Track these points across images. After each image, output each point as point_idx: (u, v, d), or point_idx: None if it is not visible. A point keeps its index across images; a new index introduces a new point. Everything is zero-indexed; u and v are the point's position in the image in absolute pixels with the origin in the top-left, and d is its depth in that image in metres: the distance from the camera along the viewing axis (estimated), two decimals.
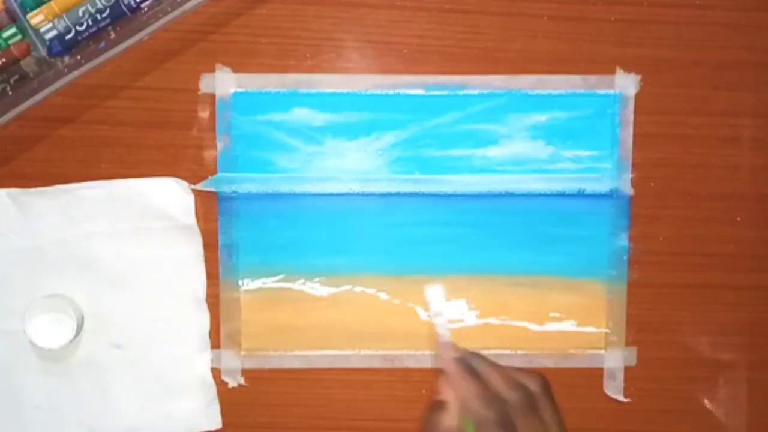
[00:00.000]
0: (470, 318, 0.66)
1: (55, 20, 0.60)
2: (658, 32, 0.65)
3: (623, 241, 0.66)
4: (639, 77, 0.65)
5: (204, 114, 0.64)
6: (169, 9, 0.61)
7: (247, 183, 0.64)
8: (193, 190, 0.64)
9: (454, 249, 0.66)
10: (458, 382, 0.58)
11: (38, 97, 0.61)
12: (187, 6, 0.61)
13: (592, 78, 0.65)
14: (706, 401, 0.68)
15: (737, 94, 0.66)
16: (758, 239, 0.67)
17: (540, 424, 0.56)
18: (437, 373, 0.60)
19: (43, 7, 0.60)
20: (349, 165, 0.65)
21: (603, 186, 0.66)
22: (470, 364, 0.59)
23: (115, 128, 0.64)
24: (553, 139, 0.65)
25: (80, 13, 0.60)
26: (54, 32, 0.60)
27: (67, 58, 0.61)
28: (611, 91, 0.65)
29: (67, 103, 0.63)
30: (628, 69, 0.65)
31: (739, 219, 0.67)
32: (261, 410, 0.66)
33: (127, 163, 0.64)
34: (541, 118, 0.65)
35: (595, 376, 0.67)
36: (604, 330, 0.67)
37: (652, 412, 0.68)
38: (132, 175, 0.64)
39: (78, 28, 0.60)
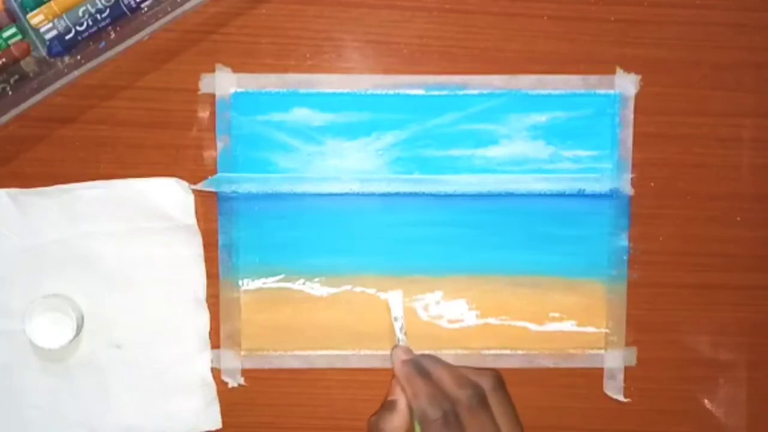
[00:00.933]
0: (470, 318, 0.66)
1: (55, 20, 0.60)
2: (658, 32, 0.65)
3: (623, 241, 0.66)
4: (639, 77, 0.65)
5: (204, 114, 0.64)
6: (169, 9, 0.61)
7: (247, 183, 0.64)
8: (193, 190, 0.64)
9: (454, 249, 0.66)
10: (407, 382, 0.57)
11: (38, 97, 0.61)
12: (187, 6, 0.61)
13: (592, 78, 0.65)
14: (706, 401, 0.68)
15: (737, 94, 0.66)
16: (758, 239, 0.67)
17: (490, 422, 0.55)
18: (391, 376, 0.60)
19: (43, 7, 0.60)
20: (349, 165, 0.65)
21: (603, 186, 0.66)
22: (420, 364, 0.59)
23: (115, 128, 0.64)
24: (553, 139, 0.65)
25: (80, 13, 0.60)
26: (54, 32, 0.60)
27: (67, 58, 0.61)
28: (611, 91, 0.65)
29: (67, 103, 0.63)
30: (628, 69, 0.65)
31: (739, 219, 0.67)
32: (261, 410, 0.66)
33: (127, 163, 0.64)
34: (541, 118, 0.65)
35: (595, 376, 0.67)
36: (604, 330, 0.67)
37: (652, 412, 0.68)
38: (132, 175, 0.64)
39: (78, 28, 0.60)
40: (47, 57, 0.61)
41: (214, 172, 0.64)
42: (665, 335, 0.67)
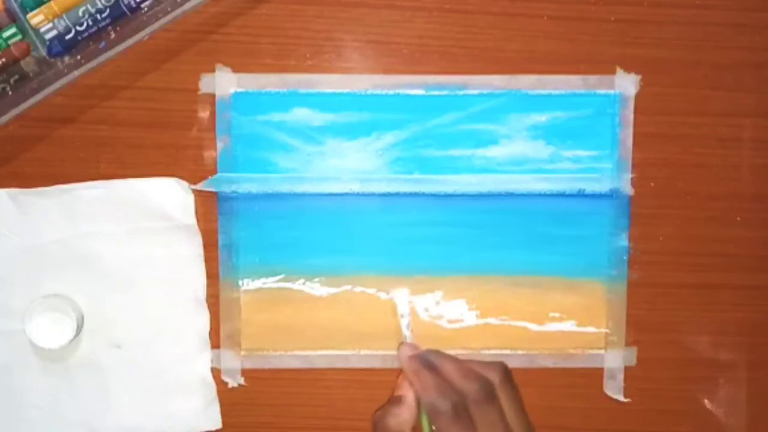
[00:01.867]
0: (470, 318, 0.66)
1: (55, 20, 0.60)
2: (658, 32, 0.65)
3: (623, 241, 0.66)
4: (639, 77, 0.65)
5: (204, 114, 0.64)
6: (169, 9, 0.61)
7: (247, 183, 0.64)
8: (193, 190, 0.64)
9: (454, 249, 0.66)
10: (415, 376, 0.57)
11: (38, 97, 0.61)
12: (187, 6, 0.61)
13: (592, 78, 0.65)
14: (706, 401, 0.68)
15: (737, 94, 0.66)
16: (758, 239, 0.67)
17: (498, 414, 0.55)
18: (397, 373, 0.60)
19: (43, 7, 0.60)
20: (349, 165, 0.65)
21: (603, 186, 0.66)
22: (428, 359, 0.58)
23: (115, 128, 0.64)
24: (553, 139, 0.65)
25: (80, 13, 0.60)
26: (54, 32, 0.60)
27: (67, 58, 0.61)
28: (611, 91, 0.65)
29: (67, 103, 0.63)
30: (628, 69, 0.65)
31: (739, 219, 0.67)
32: (261, 410, 0.66)
33: (127, 163, 0.64)
34: (541, 118, 0.65)
35: (595, 376, 0.67)
36: (604, 330, 0.67)
37: (652, 412, 0.68)
38: (132, 175, 0.64)
39: (78, 28, 0.60)
40: (47, 57, 0.61)
41: (214, 172, 0.64)
42: (665, 335, 0.67)
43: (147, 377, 0.65)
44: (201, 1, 0.61)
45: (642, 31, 0.65)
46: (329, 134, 0.65)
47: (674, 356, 0.68)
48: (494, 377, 0.56)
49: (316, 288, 0.66)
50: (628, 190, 0.66)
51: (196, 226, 0.64)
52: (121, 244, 0.64)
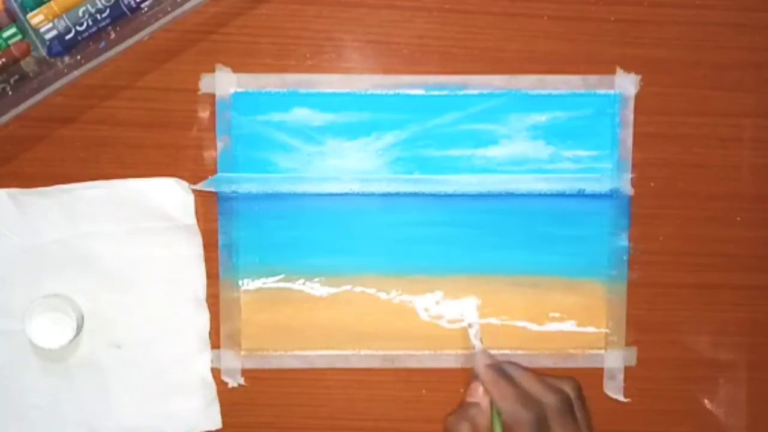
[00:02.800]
0: (470, 318, 0.66)
1: (55, 20, 0.60)
2: (658, 32, 0.65)
3: (623, 241, 0.66)
4: (639, 77, 0.65)
5: (204, 114, 0.64)
6: (169, 9, 0.61)
7: (247, 183, 0.64)
8: (193, 190, 0.64)
9: (454, 249, 0.66)
10: (493, 385, 0.58)
11: (38, 97, 0.61)
12: (187, 6, 0.61)
13: (592, 78, 0.65)
14: (706, 401, 0.68)
15: (737, 94, 0.66)
16: (758, 239, 0.67)
17: (575, 427, 0.57)
18: (468, 379, 0.60)
19: (43, 7, 0.60)
20: (349, 165, 0.65)
21: (603, 186, 0.66)
22: (504, 369, 0.59)
23: (115, 128, 0.64)
24: (553, 139, 0.65)
25: (80, 13, 0.60)
26: (54, 32, 0.60)
27: (67, 58, 0.61)
28: (611, 91, 0.65)
29: (67, 103, 0.63)
30: (628, 69, 0.65)
31: (739, 219, 0.67)
32: (261, 410, 0.66)
33: (127, 163, 0.64)
34: (541, 118, 0.65)
35: (595, 376, 0.67)
36: (604, 330, 0.67)
37: (652, 412, 0.68)
38: (132, 175, 0.64)
39: (78, 28, 0.60)
40: (47, 57, 0.61)
41: (214, 172, 0.64)
42: (665, 335, 0.67)
43: (147, 377, 0.65)
44: (201, 1, 0.61)
45: (642, 31, 0.65)
46: (329, 134, 0.65)
47: (674, 356, 0.68)
48: (570, 391, 0.58)
49: (316, 288, 0.66)
50: (628, 190, 0.66)
51: (196, 226, 0.64)
52: (121, 244, 0.64)
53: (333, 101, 0.65)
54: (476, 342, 0.62)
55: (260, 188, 0.64)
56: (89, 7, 0.60)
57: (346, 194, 0.65)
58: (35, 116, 0.63)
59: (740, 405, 0.68)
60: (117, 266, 0.64)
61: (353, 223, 0.65)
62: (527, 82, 0.65)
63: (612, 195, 0.66)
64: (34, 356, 0.64)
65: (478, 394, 0.59)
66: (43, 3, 0.60)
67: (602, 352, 0.67)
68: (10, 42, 0.60)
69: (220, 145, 0.64)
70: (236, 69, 0.64)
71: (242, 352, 0.66)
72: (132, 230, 0.64)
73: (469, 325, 0.63)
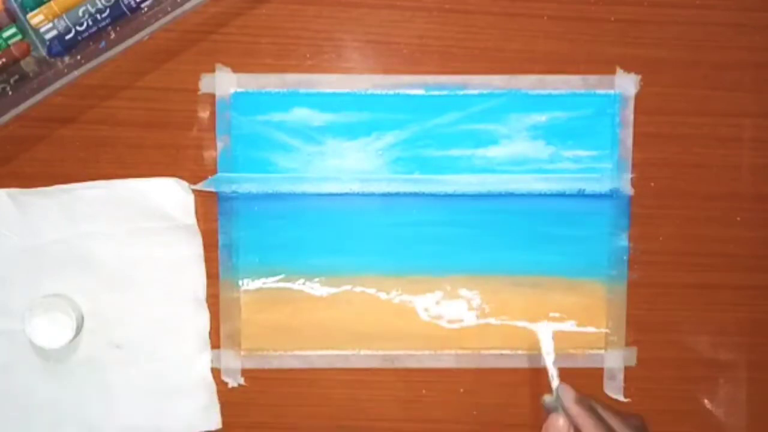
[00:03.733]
0: (470, 318, 0.66)
1: (55, 20, 0.60)
2: (658, 32, 0.65)
3: (623, 241, 0.66)
4: (639, 77, 0.65)
5: (204, 114, 0.64)
6: (169, 9, 0.61)
7: (247, 183, 0.64)
8: (193, 190, 0.64)
9: (454, 249, 0.66)
10: (582, 421, 0.57)
11: (38, 97, 0.61)
12: (187, 6, 0.61)
13: (592, 78, 0.65)
14: (706, 401, 0.68)
15: (737, 94, 0.66)
16: (758, 239, 0.67)
17: None
18: (545, 412, 0.59)
19: (43, 7, 0.60)
20: (349, 165, 0.65)
21: (603, 186, 0.66)
22: (591, 405, 0.59)
23: (115, 128, 0.64)
24: (553, 139, 0.65)
25: (80, 13, 0.60)
26: (54, 32, 0.60)
27: (67, 58, 0.61)
28: (611, 91, 0.65)
29: (67, 103, 0.63)
30: (628, 69, 0.65)
31: (739, 219, 0.67)
32: (261, 410, 0.66)
33: (127, 163, 0.64)
34: (541, 118, 0.65)
35: (595, 376, 0.67)
36: (604, 330, 0.67)
37: (652, 412, 0.67)
38: (132, 175, 0.64)
39: (78, 28, 0.60)
40: (47, 57, 0.61)
41: (214, 172, 0.64)
42: (665, 335, 0.67)
43: (147, 377, 0.65)
44: (201, 1, 0.61)
45: (642, 31, 0.65)
46: (329, 134, 0.65)
47: (674, 356, 0.68)
48: (641, 427, 0.59)
49: (316, 288, 0.66)
50: (628, 190, 0.66)
51: (196, 226, 0.64)
52: (121, 244, 0.64)
53: (333, 101, 0.65)
54: (554, 371, 0.61)
55: (260, 188, 0.64)
56: (89, 7, 0.60)
57: (346, 194, 0.65)
58: (35, 116, 0.63)
59: (740, 405, 0.68)
60: (117, 266, 0.64)
61: (353, 223, 0.65)
62: (527, 82, 0.65)
63: (612, 195, 0.66)
64: (34, 356, 0.64)
65: (563, 428, 0.58)
66: (43, 3, 0.60)
67: (602, 352, 0.67)
68: (10, 42, 0.60)
69: (220, 145, 0.64)
70: (236, 69, 0.64)
71: (242, 352, 0.66)
72: (132, 230, 0.64)
73: (546, 353, 0.62)
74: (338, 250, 0.65)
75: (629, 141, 0.66)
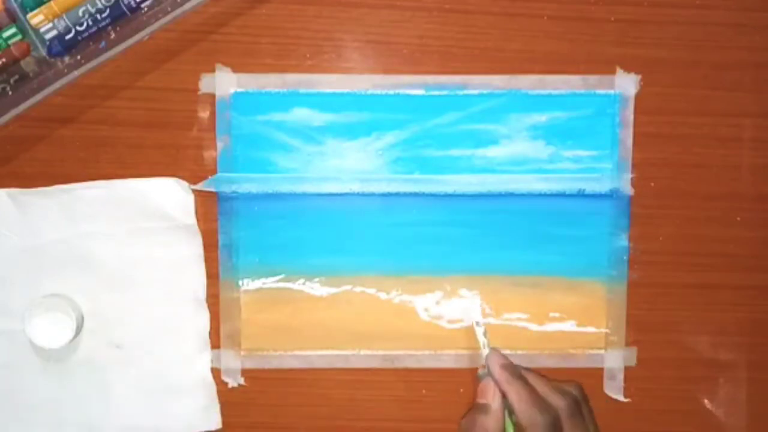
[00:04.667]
0: (475, 316, 0.66)
1: (55, 20, 0.60)
2: (658, 32, 0.65)
3: (623, 241, 0.66)
4: (639, 77, 0.65)
5: (204, 114, 0.64)
6: (169, 9, 0.61)
7: (247, 183, 0.64)
8: (193, 190, 0.64)
9: (454, 249, 0.66)
10: (509, 386, 0.58)
11: (38, 97, 0.61)
12: (187, 6, 0.61)
13: (592, 78, 0.65)
14: (706, 401, 0.68)
15: (737, 94, 0.66)
16: (758, 239, 0.67)
17: (585, 429, 0.58)
18: (474, 378, 0.61)
19: (43, 7, 0.60)
20: (349, 165, 0.65)
21: (603, 186, 0.66)
22: (518, 370, 0.60)
23: (115, 128, 0.64)
24: (553, 139, 0.65)
25: (80, 13, 0.60)
26: (54, 32, 0.60)
27: (67, 58, 0.61)
28: (611, 91, 0.65)
29: (67, 103, 0.63)
30: (628, 69, 0.65)
31: (739, 219, 0.67)
32: (261, 410, 0.66)
33: (127, 163, 0.64)
34: (541, 118, 0.65)
35: (595, 376, 0.67)
36: (604, 330, 0.67)
37: (652, 412, 0.68)
38: (132, 175, 0.64)
39: (78, 28, 0.60)
40: (47, 57, 0.61)
41: (214, 172, 0.64)
42: (665, 335, 0.67)
43: (147, 377, 0.65)
44: (201, 1, 0.61)
45: (642, 31, 0.65)
46: (329, 134, 0.65)
47: (674, 356, 0.68)
48: (577, 394, 0.59)
49: (316, 288, 0.66)
50: (628, 190, 0.66)
51: (196, 226, 0.64)
52: (121, 244, 0.64)
53: (333, 101, 0.65)
54: (484, 339, 0.62)
55: (260, 188, 0.65)
56: (89, 7, 0.60)
57: (346, 194, 0.65)
58: (35, 116, 0.63)
59: (740, 405, 0.68)
60: (117, 266, 0.64)
61: (353, 223, 0.65)
62: (527, 82, 0.65)
63: (612, 195, 0.66)
64: (34, 356, 0.64)
65: (490, 394, 0.59)
66: (43, 3, 0.60)
67: (602, 352, 0.67)
68: (10, 42, 0.60)
69: (220, 145, 0.64)
70: (236, 69, 0.64)
71: (242, 352, 0.66)
72: (132, 230, 0.64)
73: (476, 323, 0.63)
74: (338, 250, 0.65)
75: (629, 141, 0.66)
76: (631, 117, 0.66)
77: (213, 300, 0.65)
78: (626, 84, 0.65)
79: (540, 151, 0.66)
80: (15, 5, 0.60)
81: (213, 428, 0.66)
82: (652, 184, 0.66)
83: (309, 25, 0.64)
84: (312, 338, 0.66)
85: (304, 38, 0.64)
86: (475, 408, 0.59)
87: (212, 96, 0.64)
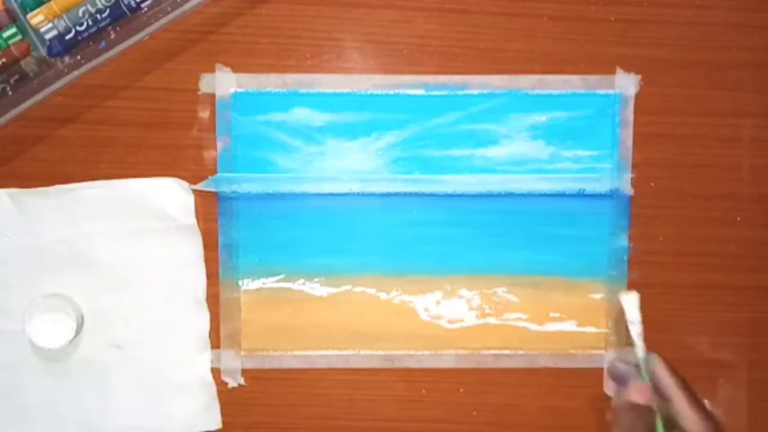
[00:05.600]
0: (470, 318, 0.66)
1: (55, 20, 0.60)
2: (658, 32, 0.65)
3: (623, 241, 0.66)
4: (639, 77, 0.65)
5: (204, 114, 0.64)
6: (169, 9, 0.61)
7: (247, 183, 0.64)
8: (193, 190, 0.64)
9: (454, 249, 0.66)
10: (676, 391, 0.56)
11: (38, 97, 0.61)
12: (187, 6, 0.61)
13: (592, 78, 0.65)
14: (706, 401, 0.68)
15: (737, 94, 0.66)
16: (758, 239, 0.67)
17: None
18: (608, 376, 0.58)
19: (43, 7, 0.60)
20: (349, 165, 0.65)
21: (603, 186, 0.66)
22: (681, 377, 0.57)
23: (115, 128, 0.64)
24: (553, 139, 0.65)
25: (80, 13, 0.60)
26: (54, 32, 0.60)
27: (67, 58, 0.61)
28: (611, 91, 0.65)
29: (67, 103, 0.63)
30: (628, 69, 0.65)
31: (739, 219, 0.67)
32: (261, 410, 0.66)
33: (127, 163, 0.64)
34: (541, 118, 0.65)
35: (595, 376, 0.67)
36: (604, 330, 0.67)
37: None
38: (132, 175, 0.64)
39: (78, 28, 0.60)
40: (47, 57, 0.61)
41: (214, 172, 0.64)
42: (665, 335, 0.67)
43: (147, 377, 0.65)
44: (201, 1, 0.61)
45: (642, 31, 0.65)
46: (329, 134, 0.65)
47: (674, 356, 0.67)
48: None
49: (316, 288, 0.66)
50: (628, 190, 0.66)
51: (196, 226, 0.64)
52: (121, 244, 0.64)
53: (333, 101, 0.65)
54: (639, 342, 0.57)
55: (260, 188, 0.64)
56: (89, 7, 0.60)
57: (346, 194, 0.65)
58: (35, 116, 0.63)
59: (740, 405, 0.68)
60: (117, 266, 0.64)
61: (353, 223, 0.65)
62: (527, 82, 0.65)
63: (612, 195, 0.66)
64: (34, 356, 0.64)
65: (647, 396, 0.55)
66: (43, 3, 0.60)
67: (602, 352, 0.67)
68: (10, 42, 0.60)
69: (220, 145, 0.64)
70: (236, 69, 0.64)
71: (242, 352, 0.66)
72: (132, 230, 0.64)
73: (631, 323, 0.57)
74: (338, 250, 0.65)
75: (629, 141, 0.66)
76: (631, 117, 0.66)
77: (213, 300, 0.65)
78: (626, 84, 0.65)
79: (540, 151, 0.66)
80: (15, 5, 0.60)
81: (213, 428, 0.66)
82: (652, 184, 0.66)
83: (309, 25, 0.64)
84: (312, 338, 0.66)
85: (304, 38, 0.64)
86: (630, 408, 0.56)
87: (212, 96, 0.64)
